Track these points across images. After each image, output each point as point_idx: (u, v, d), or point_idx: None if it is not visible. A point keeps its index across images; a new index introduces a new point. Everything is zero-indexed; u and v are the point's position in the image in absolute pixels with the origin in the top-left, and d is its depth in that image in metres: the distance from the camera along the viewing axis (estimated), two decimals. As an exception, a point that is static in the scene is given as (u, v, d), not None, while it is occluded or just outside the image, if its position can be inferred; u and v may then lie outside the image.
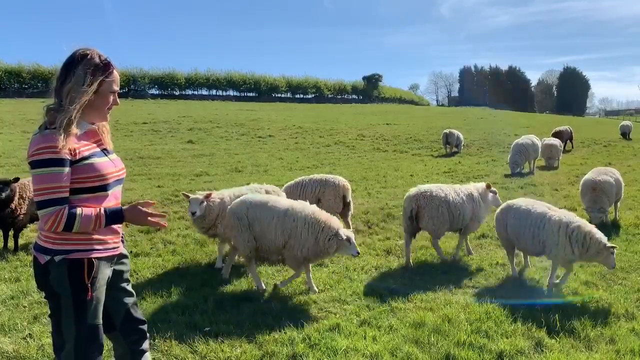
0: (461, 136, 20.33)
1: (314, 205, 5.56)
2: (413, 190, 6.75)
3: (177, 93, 45.43)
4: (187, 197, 6.14)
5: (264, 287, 5.50)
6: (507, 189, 12.32)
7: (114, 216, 2.68)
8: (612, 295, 5.45)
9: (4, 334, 4.34)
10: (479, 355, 4.03)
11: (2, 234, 6.88)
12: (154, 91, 44.47)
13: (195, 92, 47.08)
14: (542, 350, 4.19)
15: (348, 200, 7.99)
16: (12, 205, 6.55)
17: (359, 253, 5.32)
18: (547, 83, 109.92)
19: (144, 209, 2.77)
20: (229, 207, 5.70)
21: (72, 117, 2.54)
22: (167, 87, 44.94)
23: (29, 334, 4.31)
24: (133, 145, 17.70)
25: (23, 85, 36.48)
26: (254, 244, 5.43)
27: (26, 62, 37.78)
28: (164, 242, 7.21)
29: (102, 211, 2.63)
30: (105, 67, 2.67)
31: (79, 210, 2.56)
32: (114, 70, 2.73)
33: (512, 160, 14.79)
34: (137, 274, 5.90)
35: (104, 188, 2.68)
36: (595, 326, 4.65)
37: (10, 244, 6.85)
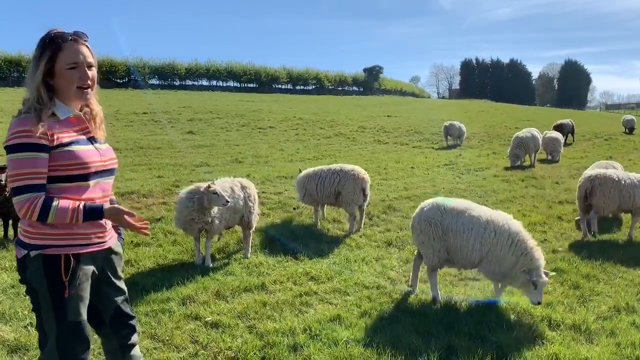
0: (463, 128, 20.22)
1: (519, 223, 4.95)
2: (588, 172, 7.77)
3: (177, 83, 45.30)
4: (209, 187, 5.79)
5: (440, 298, 5.05)
6: (508, 181, 12.32)
7: (93, 213, 2.48)
8: (613, 289, 5.45)
9: (4, 322, 4.33)
10: (480, 347, 4.02)
11: (2, 224, 6.86)
12: (154, 81, 44.36)
13: (196, 83, 46.95)
14: (543, 343, 4.19)
15: (367, 192, 7.87)
16: (7, 193, 6.42)
17: (539, 303, 4.65)
18: (548, 76, 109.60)
19: (126, 215, 2.56)
20: (418, 211, 5.21)
21: (36, 103, 2.42)
22: (168, 77, 44.80)
23: (30, 322, 4.30)
24: (133, 135, 17.64)
25: (23, 74, 36.33)
26: (444, 256, 5.04)
27: (26, 51, 37.72)
28: (165, 232, 7.20)
29: (81, 206, 2.45)
30: (50, 44, 2.45)
31: (55, 201, 2.39)
32: (68, 44, 2.47)
33: (513, 153, 14.79)
34: (137, 263, 5.89)
35: (84, 177, 2.51)
36: (596, 319, 4.65)
37: (11, 232, 6.84)
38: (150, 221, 7.69)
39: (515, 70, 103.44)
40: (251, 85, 49.77)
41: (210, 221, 5.92)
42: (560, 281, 5.65)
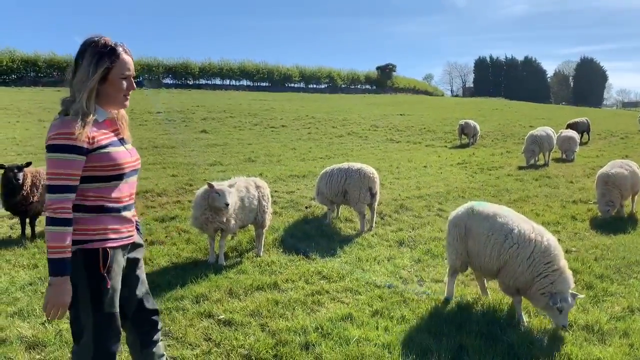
0: (477, 127, 20.11)
1: (553, 239, 4.58)
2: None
3: (191, 82, 45.60)
4: (212, 186, 5.80)
5: (453, 296, 5.04)
6: (522, 180, 12.24)
7: (59, 267, 2.47)
8: (627, 289, 5.41)
9: (22, 319, 4.42)
10: (492, 346, 4.03)
11: (20, 222, 6.99)
12: (168, 80, 44.72)
13: (209, 82, 47.25)
14: (555, 343, 4.18)
15: (375, 192, 7.81)
16: (24, 192, 6.57)
17: (565, 327, 4.33)
18: (564, 74, 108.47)
19: (61, 302, 2.51)
20: (453, 212, 5.12)
21: (85, 108, 2.53)
22: (181, 76, 45.12)
23: (47, 319, 4.39)
24: (147, 134, 17.82)
25: (39, 74, 36.92)
26: (467, 260, 4.92)
27: (42, 51, 38.28)
28: (179, 230, 7.27)
29: (67, 255, 2.47)
30: (110, 53, 2.60)
31: (71, 227, 2.49)
32: (122, 55, 2.65)
33: (528, 149, 14.62)
34: (152, 262, 5.97)
35: (120, 177, 2.67)
36: (609, 320, 4.63)
37: (28, 231, 6.96)
38: (164, 220, 7.80)
39: (530, 67, 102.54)
40: (264, 84, 50.01)
41: (225, 221, 5.96)
42: (573, 281, 5.61)
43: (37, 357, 3.83)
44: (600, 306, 4.94)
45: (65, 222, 2.48)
